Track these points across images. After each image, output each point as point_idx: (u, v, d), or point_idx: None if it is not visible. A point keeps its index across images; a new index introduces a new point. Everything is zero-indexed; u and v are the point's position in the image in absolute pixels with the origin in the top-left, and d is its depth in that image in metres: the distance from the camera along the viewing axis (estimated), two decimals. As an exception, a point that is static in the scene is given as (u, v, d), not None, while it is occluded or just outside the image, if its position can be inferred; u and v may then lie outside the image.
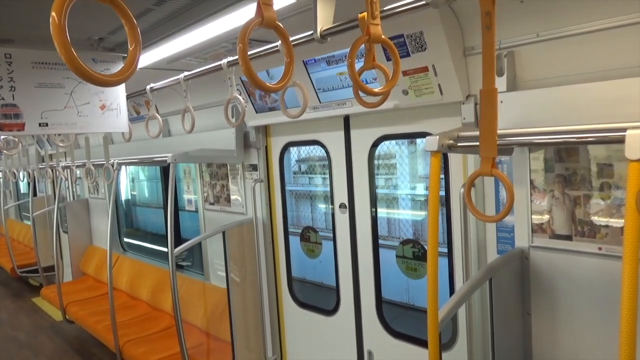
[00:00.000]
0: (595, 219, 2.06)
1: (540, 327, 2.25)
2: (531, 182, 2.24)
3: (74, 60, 0.81)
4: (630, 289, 1.30)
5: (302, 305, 3.86)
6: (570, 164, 2.11)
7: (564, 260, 2.15)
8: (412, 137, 2.96)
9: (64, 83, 2.71)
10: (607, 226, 2.03)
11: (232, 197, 4.25)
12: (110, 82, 0.87)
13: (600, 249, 2.04)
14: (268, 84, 1.25)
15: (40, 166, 6.61)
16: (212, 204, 4.50)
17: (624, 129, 1.43)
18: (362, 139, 3.18)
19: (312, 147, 3.74)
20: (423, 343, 2.97)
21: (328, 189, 3.46)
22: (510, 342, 2.24)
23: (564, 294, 2.16)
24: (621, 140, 1.42)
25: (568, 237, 2.14)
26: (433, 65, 2.39)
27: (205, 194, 4.59)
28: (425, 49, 2.36)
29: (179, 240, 5.33)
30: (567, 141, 1.73)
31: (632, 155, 1.35)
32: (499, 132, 1.58)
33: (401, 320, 3.59)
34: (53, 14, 0.81)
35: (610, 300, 1.98)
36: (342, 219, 3.39)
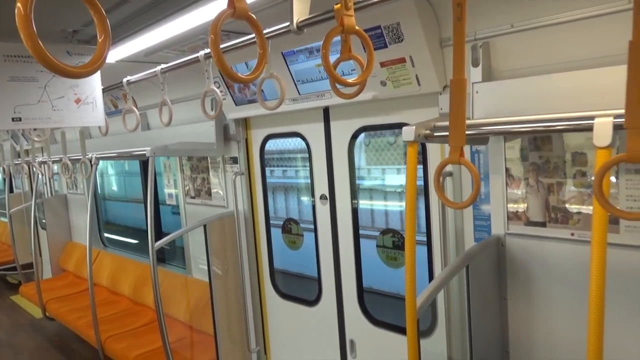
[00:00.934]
0: (568, 205, 2.11)
1: (516, 311, 2.31)
2: (507, 170, 2.28)
3: (41, 51, 0.80)
4: (598, 272, 1.34)
5: (285, 296, 3.88)
6: (544, 152, 2.16)
7: (538, 246, 2.20)
8: (390, 128, 2.98)
9: (38, 76, 2.66)
10: (579, 212, 2.08)
11: (213, 190, 4.23)
12: (78, 73, 0.86)
13: (572, 234, 2.10)
14: (242, 75, 1.25)
15: (16, 162, 6.48)
16: (193, 197, 4.48)
17: (593, 118, 1.46)
18: (341, 130, 3.20)
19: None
20: (404, 331, 3.01)
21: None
22: (487, 326, 2.29)
23: (538, 279, 2.21)
24: (590, 129, 1.46)
25: (542, 224, 2.19)
26: (410, 56, 2.41)
27: (186, 188, 4.56)
28: (402, 40, 2.37)
29: (160, 235, 5.29)
30: (537, 130, 1.77)
31: (600, 142, 1.39)
32: (470, 121, 1.60)
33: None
34: (18, 4, 0.80)
35: (582, 283, 2.04)
36: (323, 210, 3.41)
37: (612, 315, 1.73)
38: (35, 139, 4.05)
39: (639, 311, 1.94)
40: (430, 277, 2.84)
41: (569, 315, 2.13)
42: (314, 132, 3.37)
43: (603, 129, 1.39)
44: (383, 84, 2.61)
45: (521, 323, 2.30)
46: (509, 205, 2.30)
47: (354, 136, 3.15)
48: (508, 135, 2.20)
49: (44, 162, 5.44)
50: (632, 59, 1.07)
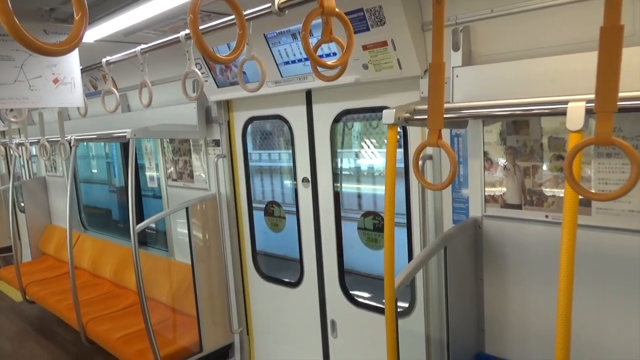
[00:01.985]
0: (543, 188, 2.17)
1: (491, 290, 2.38)
2: (485, 154, 2.32)
3: (16, 27, 0.79)
4: (568, 251, 1.39)
5: (267, 278, 3.92)
6: (522, 136, 2.20)
7: (514, 228, 2.26)
8: (372, 111, 3.00)
9: (14, 55, 2.60)
10: (553, 195, 2.14)
11: (195, 173, 4.21)
12: (54, 51, 0.85)
13: (546, 216, 2.16)
14: (221, 55, 1.25)
15: (-8, 143, 6.34)
16: (175, 180, 4.46)
17: (567, 102, 1.50)
18: (324, 113, 3.20)
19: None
20: (383, 311, 3.08)
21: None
22: (463, 305, 2.36)
23: (513, 259, 2.28)
24: (564, 113, 1.49)
25: (518, 206, 2.25)
26: (392, 39, 2.42)
27: (168, 171, 4.53)
28: (384, 23, 2.38)
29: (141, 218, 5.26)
30: (514, 114, 1.80)
31: (573, 126, 1.43)
32: (449, 105, 1.62)
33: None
34: (-8, -21, 0.79)
35: (555, 263, 2.09)
36: (305, 193, 3.43)
37: (582, 294, 1.79)
38: (12, 119, 3.97)
39: (609, 290, 2.01)
40: (410, 258, 2.89)
41: (542, 294, 2.21)
42: (297, 115, 3.37)
43: (576, 113, 1.43)
44: (365, 67, 2.62)
45: (496, 302, 2.37)
46: (486, 188, 2.35)
47: (336, 119, 3.16)
48: (486, 119, 2.24)
49: (22, 144, 5.32)
50: (602, 44, 1.10)
